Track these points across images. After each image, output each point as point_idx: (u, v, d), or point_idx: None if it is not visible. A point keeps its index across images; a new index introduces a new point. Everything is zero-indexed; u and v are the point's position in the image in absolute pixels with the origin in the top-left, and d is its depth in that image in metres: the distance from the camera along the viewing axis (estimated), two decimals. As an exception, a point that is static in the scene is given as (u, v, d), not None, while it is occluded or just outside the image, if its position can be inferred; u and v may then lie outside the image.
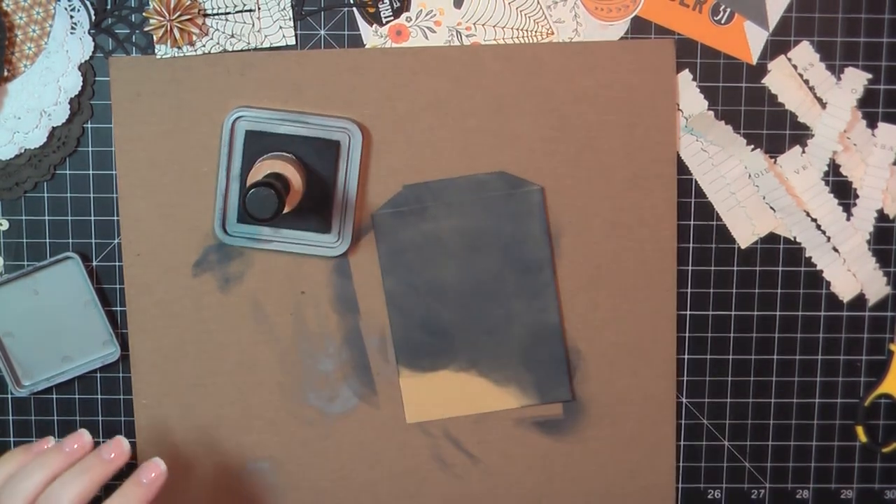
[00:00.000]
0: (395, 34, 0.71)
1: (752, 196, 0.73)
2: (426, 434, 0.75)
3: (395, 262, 0.73)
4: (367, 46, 0.71)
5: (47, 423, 0.74)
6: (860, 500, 0.77)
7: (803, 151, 0.73)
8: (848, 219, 0.74)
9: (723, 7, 0.71)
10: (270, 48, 0.71)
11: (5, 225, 0.72)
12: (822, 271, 0.74)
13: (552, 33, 0.71)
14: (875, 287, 0.75)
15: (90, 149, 0.72)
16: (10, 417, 0.74)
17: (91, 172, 0.72)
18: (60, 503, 0.58)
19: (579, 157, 0.72)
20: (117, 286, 0.73)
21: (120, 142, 0.71)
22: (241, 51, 0.70)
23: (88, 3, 0.70)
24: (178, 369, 0.73)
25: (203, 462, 0.74)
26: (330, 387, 0.74)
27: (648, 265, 0.73)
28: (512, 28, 0.71)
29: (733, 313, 0.75)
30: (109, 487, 0.64)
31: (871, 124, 0.73)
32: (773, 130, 0.73)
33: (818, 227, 0.74)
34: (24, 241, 0.72)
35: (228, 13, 0.70)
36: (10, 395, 0.74)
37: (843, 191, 0.74)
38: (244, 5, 0.70)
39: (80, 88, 0.71)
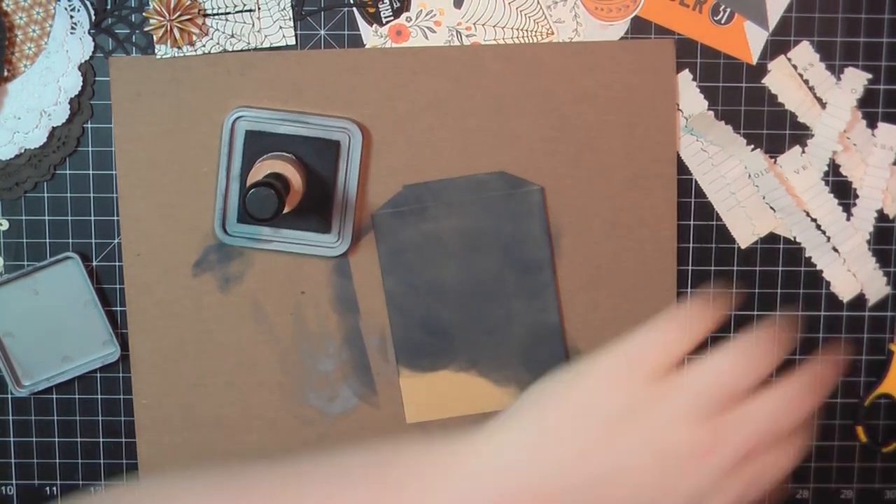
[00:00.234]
0: (395, 34, 0.71)
1: (752, 196, 0.74)
2: (426, 434, 0.75)
3: (395, 262, 0.73)
4: (367, 46, 0.71)
5: (47, 423, 0.74)
6: (860, 500, 0.77)
7: (803, 151, 0.73)
8: (848, 219, 0.74)
9: (723, 7, 0.71)
10: (270, 48, 0.71)
11: (5, 225, 0.72)
12: (822, 271, 0.74)
13: (552, 33, 0.71)
14: (875, 287, 0.75)
15: (90, 149, 0.72)
16: (10, 417, 0.74)
17: (91, 172, 0.72)
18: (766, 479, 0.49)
19: (579, 157, 0.72)
20: (117, 286, 0.73)
21: (120, 142, 0.71)
22: (241, 51, 0.70)
23: (88, 3, 0.70)
24: (178, 369, 0.73)
25: (203, 462, 0.74)
26: (330, 387, 0.74)
27: (648, 265, 0.73)
28: (512, 28, 0.71)
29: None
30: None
31: (871, 124, 0.73)
32: (773, 130, 0.73)
33: (818, 227, 0.74)
34: (24, 241, 0.72)
35: (228, 13, 0.70)
36: (10, 395, 0.74)
37: (843, 191, 0.74)
38: (244, 5, 0.70)
39: (80, 88, 0.71)
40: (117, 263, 0.73)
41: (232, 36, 0.70)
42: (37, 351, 0.73)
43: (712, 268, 0.74)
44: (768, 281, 0.74)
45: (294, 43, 0.71)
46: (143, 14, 0.69)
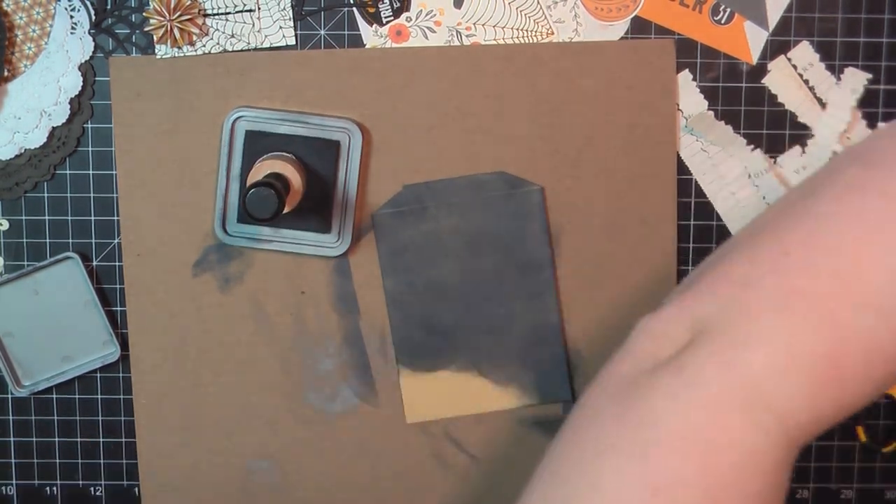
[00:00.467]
0: (395, 34, 0.71)
1: (752, 196, 0.74)
2: (426, 434, 0.75)
3: (395, 262, 0.73)
4: (367, 46, 0.71)
5: (47, 423, 0.74)
6: (860, 499, 0.77)
7: (803, 151, 0.73)
8: (848, 219, 0.74)
9: (723, 7, 0.71)
10: (270, 48, 0.71)
11: (5, 225, 0.72)
12: (822, 271, 0.74)
13: (552, 33, 0.71)
14: (875, 287, 0.75)
15: (90, 149, 0.72)
16: (10, 417, 0.74)
17: (91, 172, 0.72)
18: None
19: (579, 157, 0.72)
20: (117, 286, 0.73)
21: (120, 142, 0.71)
22: (241, 51, 0.70)
23: (88, 3, 0.70)
24: (178, 369, 0.73)
25: (203, 462, 0.74)
26: (330, 387, 0.74)
27: (648, 265, 0.73)
28: (512, 28, 0.71)
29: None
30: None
31: (871, 124, 0.73)
32: (773, 130, 0.73)
33: (818, 227, 0.74)
34: (24, 241, 0.72)
35: (228, 13, 0.70)
36: (10, 395, 0.74)
37: (843, 191, 0.74)
38: (244, 5, 0.70)
39: (80, 88, 0.71)
40: (117, 263, 0.73)
41: (232, 36, 0.70)
42: (37, 351, 0.73)
43: (712, 268, 0.74)
44: (768, 281, 0.74)
45: (294, 43, 0.71)
46: (143, 14, 0.69)
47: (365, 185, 0.72)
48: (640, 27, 0.71)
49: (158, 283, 0.72)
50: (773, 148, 0.73)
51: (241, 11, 0.70)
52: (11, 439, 0.74)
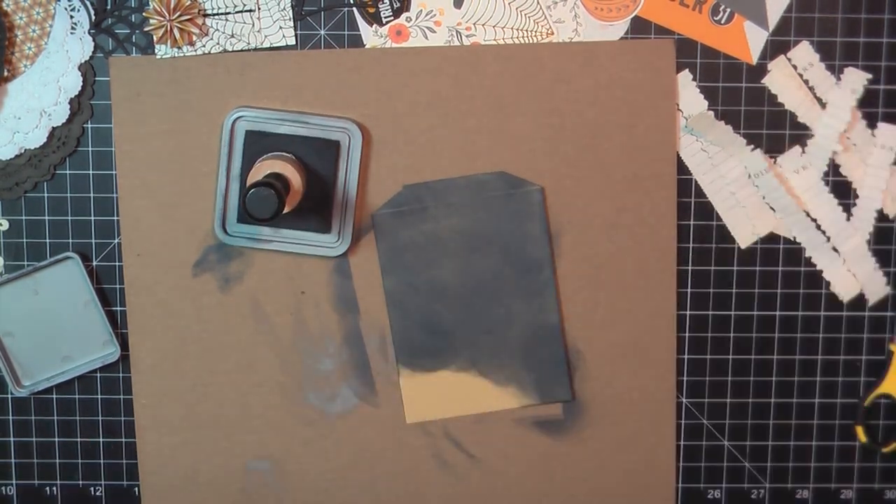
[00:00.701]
0: (395, 34, 0.71)
1: (752, 196, 0.74)
2: (426, 434, 0.75)
3: (395, 262, 0.73)
4: (367, 46, 0.71)
5: (47, 423, 0.74)
6: (860, 500, 0.77)
7: (803, 151, 0.73)
8: (848, 219, 0.74)
9: (723, 7, 0.71)
10: (270, 48, 0.71)
11: (5, 225, 0.72)
12: (821, 271, 0.74)
13: (552, 33, 0.71)
14: (875, 287, 0.75)
15: (90, 149, 0.72)
16: (10, 417, 0.74)
17: (91, 172, 0.72)
18: None
19: (579, 157, 0.72)
20: (117, 286, 0.73)
21: (120, 142, 0.71)
22: (241, 51, 0.70)
23: (88, 3, 0.70)
24: (178, 369, 0.73)
25: (203, 462, 0.74)
26: (330, 387, 0.74)
27: (648, 265, 0.73)
28: (512, 28, 0.71)
29: (733, 313, 0.75)
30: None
31: (871, 124, 0.73)
32: (773, 130, 0.73)
33: (818, 227, 0.74)
34: (24, 241, 0.72)
35: (228, 13, 0.70)
36: (10, 395, 0.74)
37: (843, 191, 0.74)
38: (244, 5, 0.70)
39: (80, 88, 0.71)
40: (117, 263, 0.73)
41: (232, 36, 0.70)
42: (37, 351, 0.73)
43: (712, 268, 0.74)
44: (768, 281, 0.74)
45: (294, 43, 0.71)
46: (143, 14, 0.69)
47: (365, 185, 0.72)
48: (640, 27, 0.71)
49: (158, 283, 0.72)
50: (773, 148, 0.73)
51: (241, 11, 0.70)
52: (11, 439, 0.74)
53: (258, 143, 0.70)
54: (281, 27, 0.70)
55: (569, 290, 0.73)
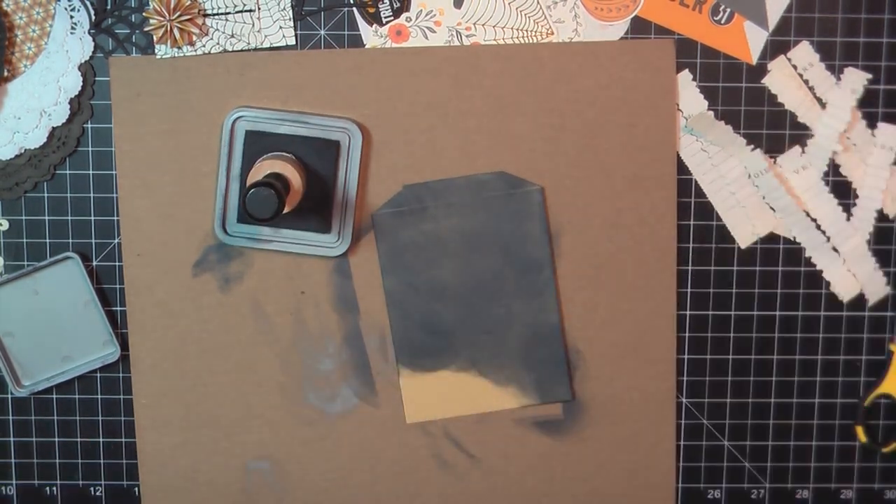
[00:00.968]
0: (395, 34, 0.71)
1: (752, 196, 0.73)
2: (426, 434, 0.75)
3: (395, 262, 0.73)
4: (367, 46, 0.71)
5: (47, 423, 0.74)
6: (860, 500, 0.77)
7: (803, 151, 0.73)
8: (848, 219, 0.74)
9: (723, 7, 0.71)
10: (270, 48, 0.71)
11: (5, 225, 0.72)
12: (822, 271, 0.74)
13: (552, 33, 0.71)
14: (875, 287, 0.75)
15: (90, 149, 0.72)
16: (10, 417, 0.74)
17: (91, 172, 0.72)
18: None
19: (579, 157, 0.72)
20: (117, 286, 0.73)
21: (120, 142, 0.71)
22: (241, 51, 0.70)
23: (88, 3, 0.70)
24: (178, 369, 0.73)
25: (203, 462, 0.74)
26: (330, 387, 0.74)
27: (648, 265, 0.73)
28: (512, 28, 0.71)
29: (733, 313, 0.75)
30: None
31: (871, 124, 0.73)
32: (773, 130, 0.73)
33: (818, 227, 0.74)
34: (24, 241, 0.72)
35: (228, 13, 0.70)
36: (10, 395, 0.74)
37: (843, 191, 0.74)
38: (244, 5, 0.70)
39: (80, 88, 0.71)
40: (117, 263, 0.73)
41: (232, 36, 0.70)
42: (37, 351, 0.73)
43: (712, 268, 0.74)
44: (768, 281, 0.74)
45: (294, 43, 0.71)
46: (143, 14, 0.69)
47: (365, 185, 0.72)
48: (640, 27, 0.71)
49: (158, 283, 0.72)
50: (773, 148, 0.73)
51: (241, 11, 0.70)
52: (11, 439, 0.74)
53: (258, 143, 0.70)
54: (281, 27, 0.70)
55: (569, 290, 0.73)
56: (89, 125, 0.71)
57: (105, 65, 0.71)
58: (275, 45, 0.71)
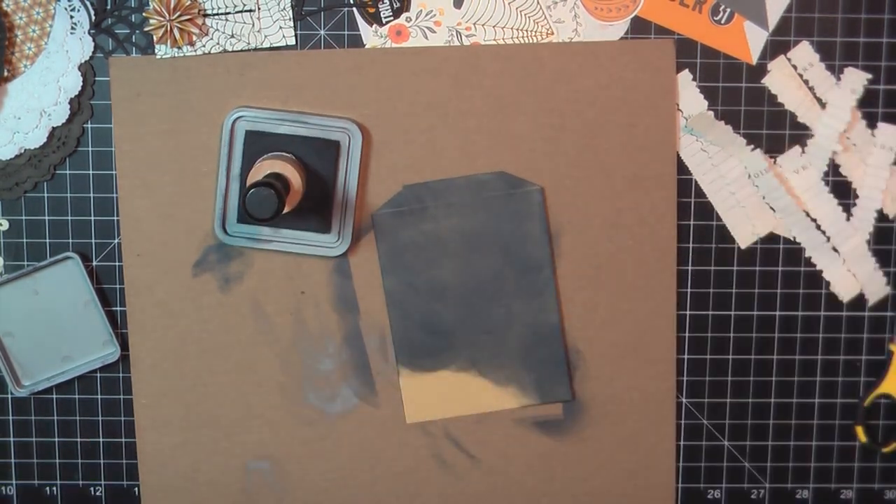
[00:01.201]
0: (395, 34, 0.71)
1: (752, 196, 0.74)
2: (426, 434, 0.75)
3: (395, 262, 0.73)
4: (367, 46, 0.71)
5: (47, 423, 0.74)
6: (860, 500, 0.77)
7: (803, 151, 0.73)
8: (848, 219, 0.74)
9: (723, 7, 0.71)
10: (270, 48, 0.71)
11: (5, 225, 0.72)
12: (822, 271, 0.74)
13: (552, 33, 0.71)
14: (875, 287, 0.75)
15: (90, 149, 0.72)
16: (10, 417, 0.74)
17: (91, 172, 0.72)
18: None
19: (579, 157, 0.72)
20: (117, 286, 0.73)
21: (120, 142, 0.71)
22: (241, 51, 0.70)
23: (88, 3, 0.70)
24: (178, 369, 0.73)
25: (203, 462, 0.74)
26: (330, 387, 0.74)
27: (648, 265, 0.73)
28: (512, 28, 0.71)
29: (733, 313, 0.75)
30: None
31: (871, 124, 0.73)
32: (773, 130, 0.73)
33: (818, 227, 0.74)
34: (24, 241, 0.72)
35: (228, 13, 0.70)
36: (10, 395, 0.74)
37: (843, 191, 0.74)
38: (244, 5, 0.70)
39: (80, 88, 0.71)
40: (117, 263, 0.73)
41: (232, 36, 0.70)
42: (37, 351, 0.73)
43: (712, 268, 0.74)
44: (768, 281, 0.74)
45: (294, 43, 0.71)
46: (143, 14, 0.69)
47: (365, 185, 0.72)
48: (640, 27, 0.71)
49: (158, 283, 0.72)
50: (773, 148, 0.73)
51: (241, 11, 0.70)
52: (11, 439, 0.74)
53: (258, 143, 0.70)
54: (281, 27, 0.70)
55: (569, 290, 0.73)
56: (89, 125, 0.71)
57: (105, 65, 0.71)
58: (275, 45, 0.71)
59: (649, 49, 0.71)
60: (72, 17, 0.70)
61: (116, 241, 0.73)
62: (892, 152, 0.73)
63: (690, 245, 0.74)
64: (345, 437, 0.75)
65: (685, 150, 0.73)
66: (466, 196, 0.72)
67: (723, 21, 0.72)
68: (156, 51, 0.70)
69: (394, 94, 0.71)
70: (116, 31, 0.70)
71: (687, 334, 0.75)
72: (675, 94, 0.72)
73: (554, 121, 0.72)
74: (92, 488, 0.75)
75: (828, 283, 0.75)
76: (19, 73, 0.70)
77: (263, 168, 0.67)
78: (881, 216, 0.74)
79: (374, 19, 0.71)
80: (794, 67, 0.72)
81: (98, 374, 0.74)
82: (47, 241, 0.72)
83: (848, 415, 0.76)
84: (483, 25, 0.71)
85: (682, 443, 0.76)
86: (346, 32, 0.71)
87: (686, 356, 0.75)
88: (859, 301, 0.75)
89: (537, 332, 0.73)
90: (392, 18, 0.71)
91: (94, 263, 0.73)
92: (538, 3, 0.71)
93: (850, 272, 0.74)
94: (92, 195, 0.72)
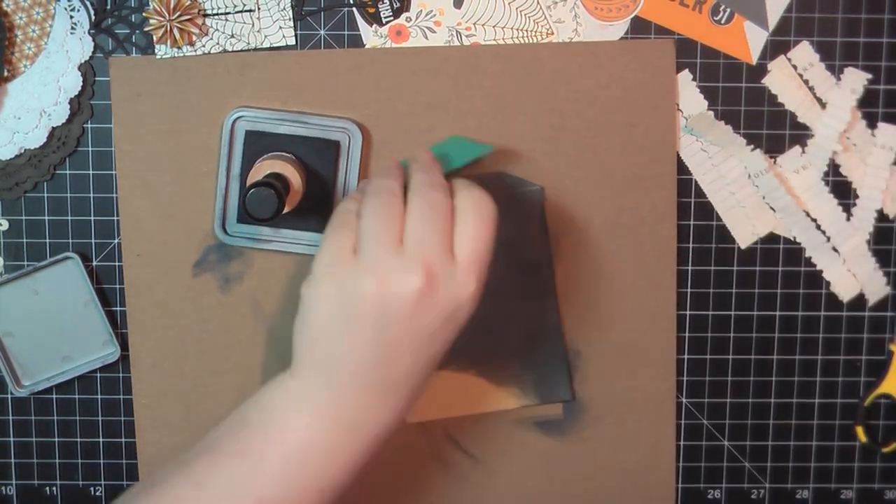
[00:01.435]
0: (395, 34, 0.71)
1: (752, 196, 0.74)
2: (426, 434, 0.75)
3: (395, 262, 0.72)
4: (367, 46, 0.71)
5: (47, 423, 0.74)
6: (860, 500, 0.77)
7: (803, 151, 0.73)
8: (848, 219, 0.74)
9: (723, 7, 0.71)
10: (270, 48, 0.71)
11: (5, 225, 0.72)
12: (821, 271, 0.74)
13: (552, 33, 0.71)
14: (875, 287, 0.75)
15: (90, 149, 0.72)
16: (10, 417, 0.74)
17: (91, 172, 0.72)
18: None
19: (579, 157, 0.72)
20: (117, 286, 0.73)
21: (120, 142, 0.71)
22: (241, 51, 0.70)
23: (88, 3, 0.70)
24: (178, 369, 0.73)
25: (203, 462, 0.74)
26: (330, 387, 0.74)
27: (648, 265, 0.73)
28: (512, 28, 0.71)
29: (733, 313, 0.75)
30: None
31: (871, 124, 0.73)
32: (773, 130, 0.73)
33: (818, 227, 0.74)
34: (24, 241, 0.72)
35: (228, 13, 0.70)
36: (10, 395, 0.74)
37: (843, 191, 0.74)
38: (244, 5, 0.70)
39: (80, 88, 0.71)
40: (117, 263, 0.73)
41: (232, 36, 0.70)
42: (37, 351, 0.73)
43: (712, 268, 0.74)
44: (768, 281, 0.74)
45: (294, 43, 0.71)
46: (143, 14, 0.69)
47: (365, 185, 0.72)
48: (639, 27, 0.71)
49: (158, 283, 0.72)
50: (773, 148, 0.73)
51: (241, 11, 0.70)
52: (11, 439, 0.74)
53: (258, 143, 0.70)
54: (281, 27, 0.70)
55: (569, 290, 0.73)
56: (89, 125, 0.71)
57: (105, 65, 0.71)
58: (275, 45, 0.71)
59: (649, 49, 0.71)
60: (72, 17, 0.70)
61: (116, 241, 0.72)
62: (892, 152, 0.73)
63: (690, 245, 0.74)
64: (345, 437, 0.74)
65: (685, 150, 0.73)
66: (466, 196, 0.72)
67: (723, 21, 0.72)
68: (156, 51, 0.70)
69: (394, 94, 0.71)
70: (116, 31, 0.70)
71: (687, 334, 0.75)
72: (675, 94, 0.72)
73: (554, 121, 0.72)
74: (92, 488, 0.75)
75: (828, 283, 0.75)
76: (19, 73, 0.70)
77: (263, 168, 0.67)
78: (881, 216, 0.74)
79: (374, 19, 0.71)
80: (794, 67, 0.72)
81: (98, 374, 0.74)
82: (47, 241, 0.72)
83: (848, 415, 0.76)
84: (483, 25, 0.71)
85: (682, 443, 0.76)
86: (346, 32, 0.71)
87: (686, 356, 0.75)
88: (859, 301, 0.75)
89: (537, 332, 0.73)
90: (392, 18, 0.71)
91: (94, 263, 0.73)
92: (538, 3, 0.71)
93: (850, 272, 0.74)
94: (92, 195, 0.72)
